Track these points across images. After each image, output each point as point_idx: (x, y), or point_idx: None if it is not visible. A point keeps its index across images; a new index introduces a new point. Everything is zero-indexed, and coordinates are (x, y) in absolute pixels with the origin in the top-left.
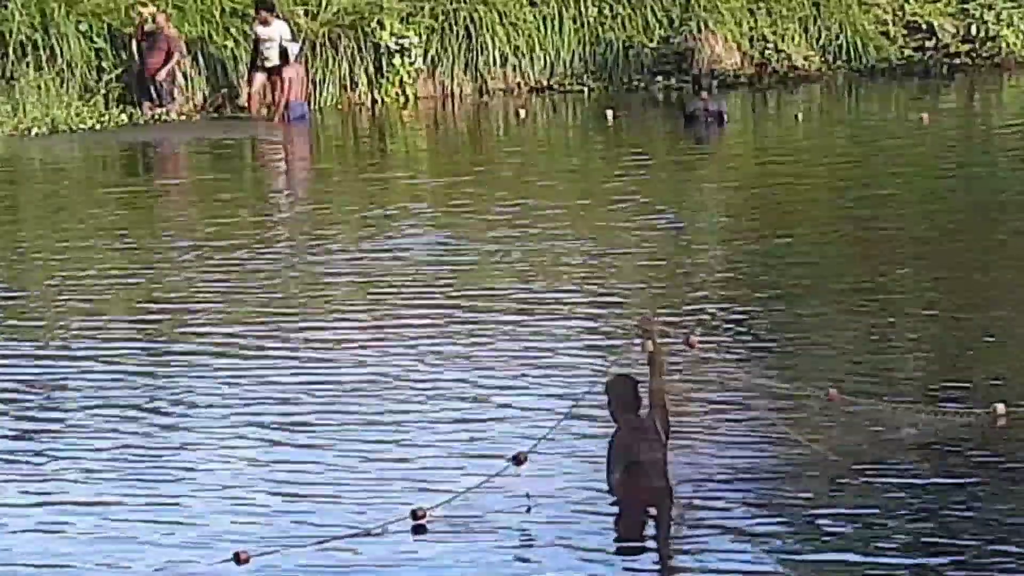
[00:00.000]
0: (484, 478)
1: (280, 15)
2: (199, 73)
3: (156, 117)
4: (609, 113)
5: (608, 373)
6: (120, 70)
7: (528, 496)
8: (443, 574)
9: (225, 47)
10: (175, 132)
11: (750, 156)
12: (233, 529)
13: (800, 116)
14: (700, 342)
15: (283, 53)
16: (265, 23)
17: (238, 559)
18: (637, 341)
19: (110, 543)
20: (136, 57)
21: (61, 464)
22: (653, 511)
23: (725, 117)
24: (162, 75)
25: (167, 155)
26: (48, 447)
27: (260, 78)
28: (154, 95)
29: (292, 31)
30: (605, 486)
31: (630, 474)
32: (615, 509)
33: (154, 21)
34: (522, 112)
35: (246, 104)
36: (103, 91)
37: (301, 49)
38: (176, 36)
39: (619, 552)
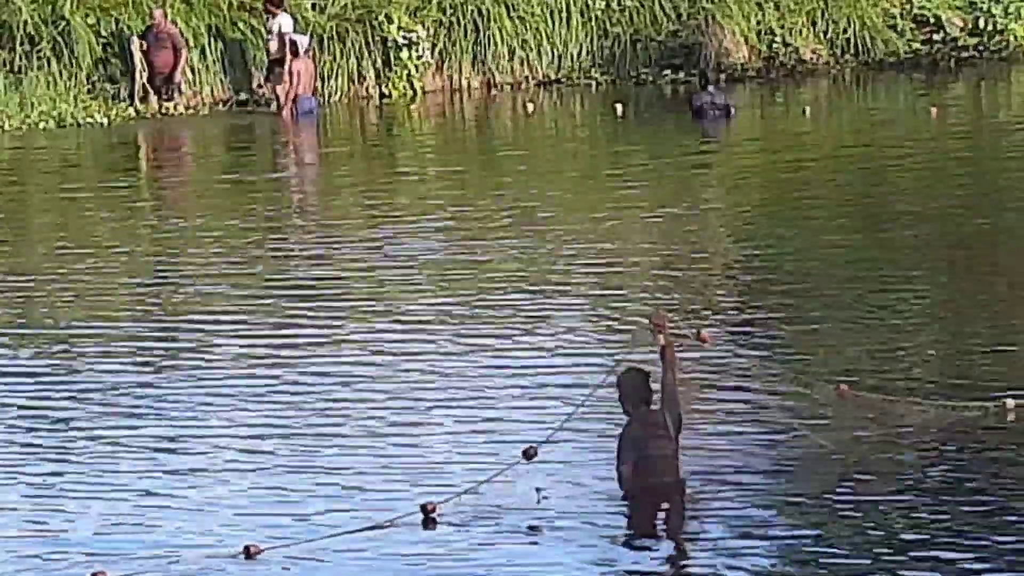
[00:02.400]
0: (494, 472)
1: (286, 8)
2: (207, 68)
3: (165, 112)
4: (619, 107)
5: (620, 367)
6: (119, 74)
7: (538, 490)
8: (453, 567)
9: (233, 41)
10: (183, 126)
11: (757, 150)
12: (243, 523)
13: (807, 110)
14: (711, 337)
15: (292, 46)
16: (271, 15)
17: (248, 552)
18: (649, 336)
19: (119, 537)
20: (140, 55)
21: (69, 456)
22: (662, 505)
23: (732, 111)
24: (178, 76)
25: (174, 150)
26: (54, 441)
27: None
28: (164, 91)
29: (296, 25)
30: (615, 479)
31: (639, 468)
32: (625, 502)
33: (151, 18)
34: (530, 106)
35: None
36: (110, 85)
37: (310, 43)
38: (176, 32)
39: (628, 546)
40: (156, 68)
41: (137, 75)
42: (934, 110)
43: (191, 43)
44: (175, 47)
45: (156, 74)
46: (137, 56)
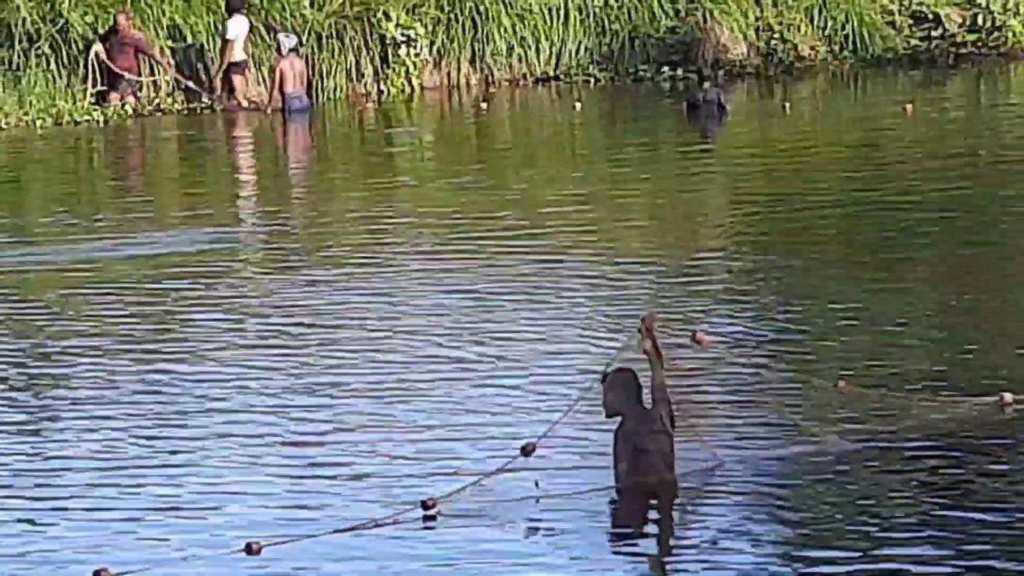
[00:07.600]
0: (493, 469)
1: (240, 10)
2: (205, 67)
3: (145, 110)
4: (578, 105)
5: (609, 368)
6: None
7: (536, 486)
8: (452, 564)
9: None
10: (175, 125)
11: (752, 146)
12: (245, 520)
13: (788, 107)
14: (707, 336)
15: (277, 46)
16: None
17: (250, 549)
18: (635, 341)
19: (119, 535)
20: (96, 61)
21: (70, 451)
22: (660, 501)
23: (728, 107)
24: (170, 72)
25: (167, 150)
26: (55, 436)
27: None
28: (123, 89)
29: (253, 27)
30: (612, 476)
31: (637, 465)
32: (622, 499)
33: (115, 23)
34: (487, 104)
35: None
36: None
37: (298, 42)
38: (141, 37)
39: (625, 542)
40: (118, 70)
41: (90, 81)
42: (909, 107)
43: (189, 39)
44: (137, 51)
45: (116, 76)
46: (91, 58)
